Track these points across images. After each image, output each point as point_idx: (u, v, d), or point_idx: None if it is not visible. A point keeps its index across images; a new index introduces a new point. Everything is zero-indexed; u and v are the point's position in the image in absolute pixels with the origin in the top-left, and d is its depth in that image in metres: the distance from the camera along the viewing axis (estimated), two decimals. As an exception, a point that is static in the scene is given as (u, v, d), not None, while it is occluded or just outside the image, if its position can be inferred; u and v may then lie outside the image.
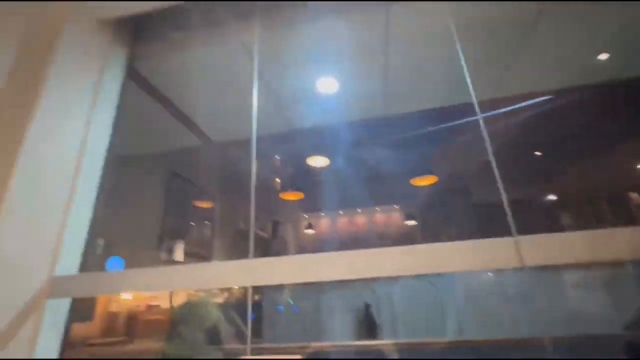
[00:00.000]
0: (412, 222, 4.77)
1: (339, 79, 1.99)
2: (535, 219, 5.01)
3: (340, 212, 5.16)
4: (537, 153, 4.72)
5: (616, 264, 3.62)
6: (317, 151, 3.28)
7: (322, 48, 1.69)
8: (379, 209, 5.05)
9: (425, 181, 3.21)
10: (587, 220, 4.92)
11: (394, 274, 0.84)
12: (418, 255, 0.84)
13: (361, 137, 2.85)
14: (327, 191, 4.34)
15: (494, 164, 1.07)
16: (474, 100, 1.16)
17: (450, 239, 0.85)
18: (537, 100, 2.59)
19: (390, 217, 5.06)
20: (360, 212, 5.09)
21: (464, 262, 0.86)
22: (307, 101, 2.14)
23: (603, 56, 1.88)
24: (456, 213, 4.57)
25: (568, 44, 1.77)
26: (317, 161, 3.50)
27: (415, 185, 3.33)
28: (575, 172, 5.03)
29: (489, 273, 3.61)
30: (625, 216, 4.77)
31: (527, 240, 0.82)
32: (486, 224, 4.25)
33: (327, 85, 2.03)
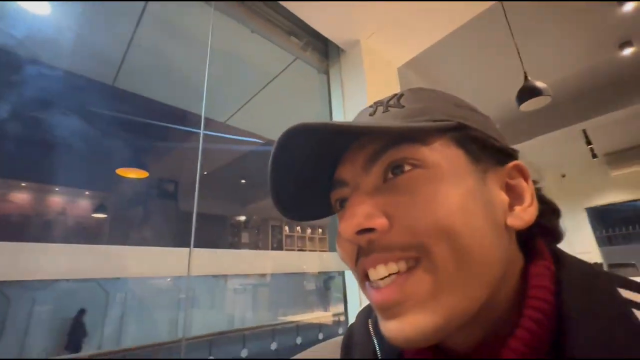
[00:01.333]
0: (101, 215, 4.03)
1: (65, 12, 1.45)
2: (224, 234, 5.82)
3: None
4: (243, 181, 5.67)
5: (263, 275, 4.89)
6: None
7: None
8: (58, 189, 3.87)
9: (133, 174, 2.88)
10: (256, 242, 6.35)
11: (59, 276, 0.69)
12: (93, 255, 0.74)
13: (64, 92, 2.16)
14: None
15: (198, 178, 1.15)
16: (202, 115, 1.23)
17: (143, 241, 0.82)
18: (255, 140, 3.19)
19: (74, 203, 4.02)
20: (23, 185, 3.65)
21: (138, 268, 0.84)
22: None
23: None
24: (158, 215, 4.42)
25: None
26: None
27: (120, 175, 2.90)
28: (262, 204, 6.50)
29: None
30: (280, 239, 6.61)
31: (198, 253, 0.92)
32: (184, 232, 4.41)
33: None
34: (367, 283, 0.28)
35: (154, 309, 3.55)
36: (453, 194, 0.25)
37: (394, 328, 0.25)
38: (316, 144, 0.28)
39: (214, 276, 4.57)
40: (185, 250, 0.90)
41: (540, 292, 0.26)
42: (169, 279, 3.96)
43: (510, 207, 0.28)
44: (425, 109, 0.29)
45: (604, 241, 5.13)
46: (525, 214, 0.28)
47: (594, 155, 4.35)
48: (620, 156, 4.71)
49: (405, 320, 0.25)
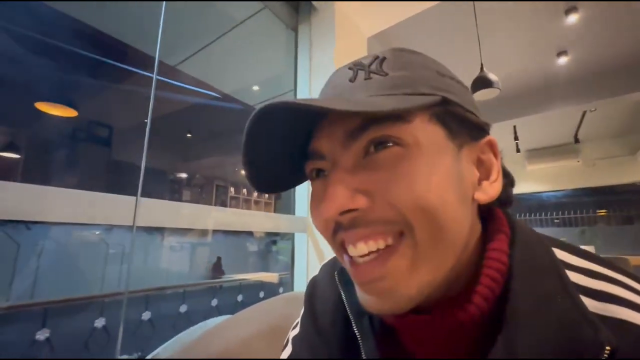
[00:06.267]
0: (11, 155, 3.44)
1: None
2: (162, 190, 5.47)
3: None
4: (189, 135, 5.29)
5: (204, 232, 4.77)
6: None
7: None
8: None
9: (57, 111, 2.47)
10: (198, 201, 6.10)
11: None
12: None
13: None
14: None
15: (148, 127, 1.04)
16: (157, 57, 1.09)
17: (65, 186, 0.72)
18: (207, 92, 2.95)
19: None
20: None
21: (79, 214, 0.75)
22: None
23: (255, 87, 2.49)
24: (86, 162, 3.94)
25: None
26: None
27: (40, 110, 2.47)
28: (207, 162, 6.18)
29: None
30: (224, 200, 6.45)
31: (146, 202, 0.86)
32: (118, 183, 4.03)
33: None
34: (344, 255, 0.29)
35: (77, 264, 3.28)
36: (431, 172, 0.26)
37: (371, 301, 0.28)
38: (293, 118, 0.27)
39: (149, 232, 4.35)
40: (132, 198, 0.83)
41: (498, 254, 0.29)
42: (97, 232, 3.66)
43: (479, 181, 0.30)
44: (409, 79, 0.28)
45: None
46: (491, 188, 0.30)
47: (518, 150, 4.94)
48: (537, 153, 5.43)
49: (383, 297, 0.27)
